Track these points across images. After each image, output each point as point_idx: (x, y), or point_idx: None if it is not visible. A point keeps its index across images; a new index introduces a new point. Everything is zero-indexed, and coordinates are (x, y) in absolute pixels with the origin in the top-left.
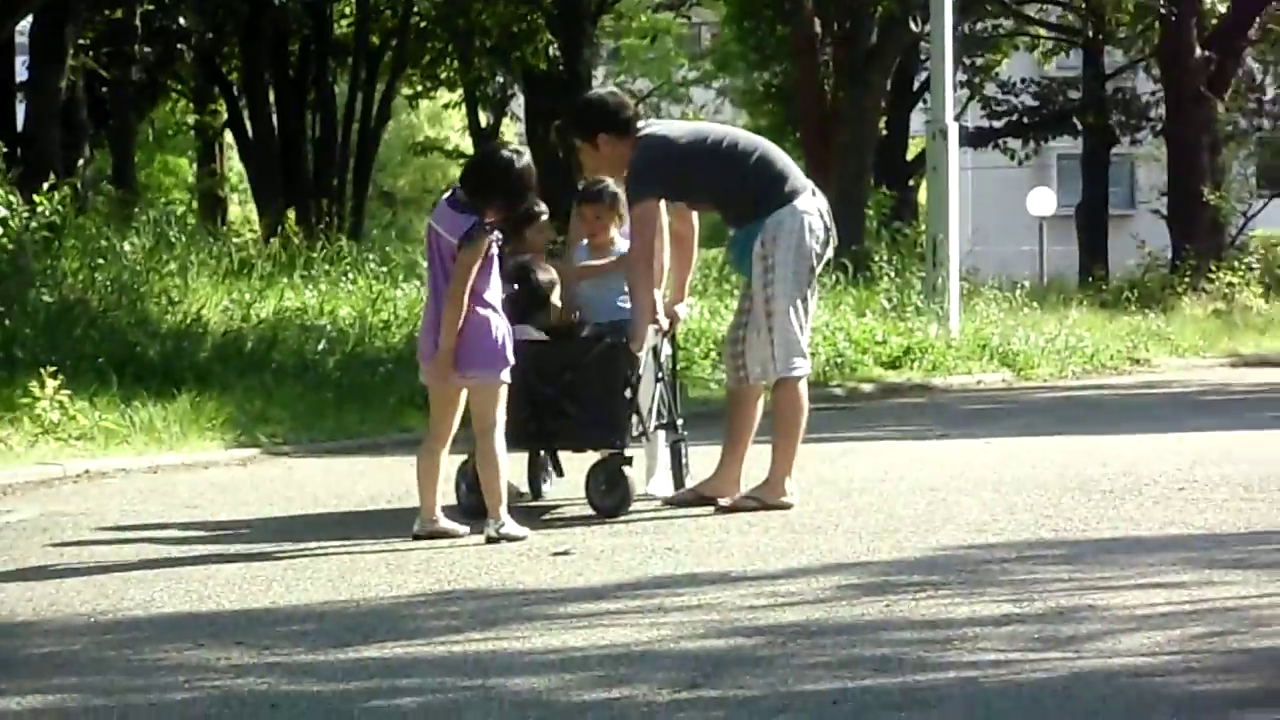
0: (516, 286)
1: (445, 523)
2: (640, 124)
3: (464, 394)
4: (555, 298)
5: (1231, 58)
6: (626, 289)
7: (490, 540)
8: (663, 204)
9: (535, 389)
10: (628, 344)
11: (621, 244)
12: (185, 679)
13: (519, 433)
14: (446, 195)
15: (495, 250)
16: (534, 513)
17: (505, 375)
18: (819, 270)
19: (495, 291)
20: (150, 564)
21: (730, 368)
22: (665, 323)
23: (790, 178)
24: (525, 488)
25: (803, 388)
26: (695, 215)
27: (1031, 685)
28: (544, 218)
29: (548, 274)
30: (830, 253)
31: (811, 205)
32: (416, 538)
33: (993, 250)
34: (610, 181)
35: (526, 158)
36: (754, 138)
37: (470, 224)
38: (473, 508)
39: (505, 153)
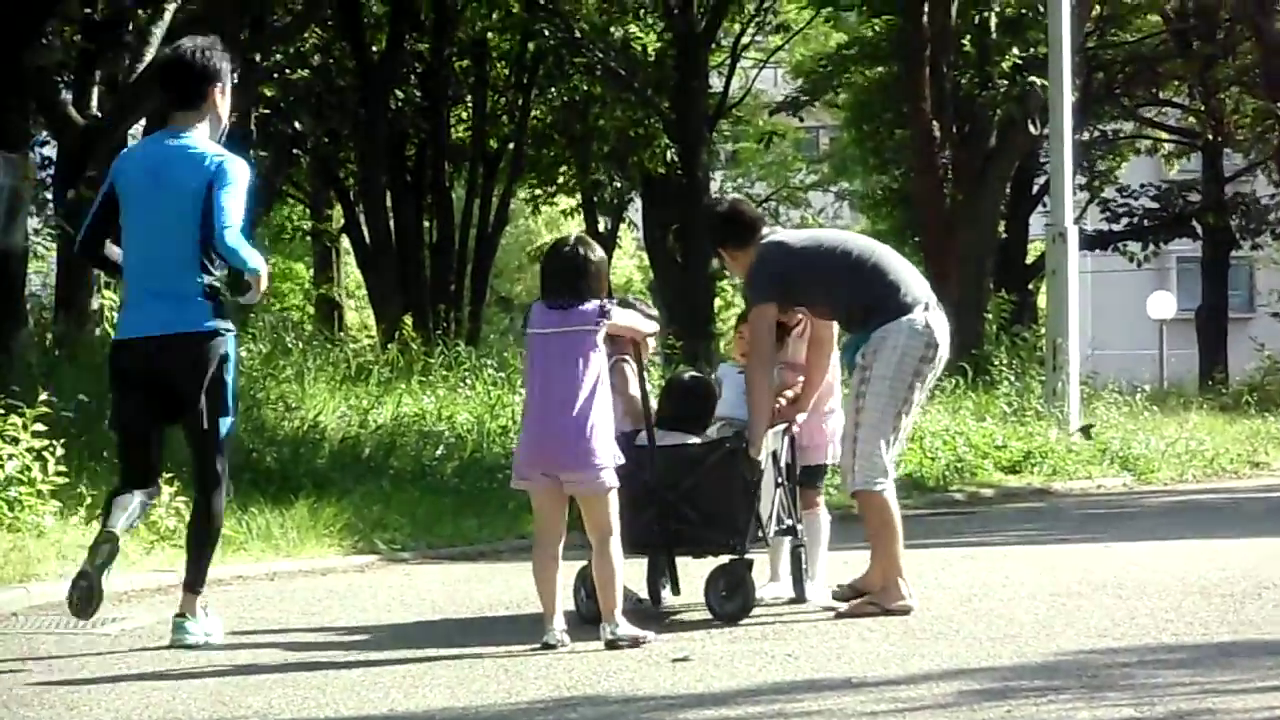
0: (695, 396)
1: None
2: (764, 230)
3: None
4: None
5: None
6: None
7: (609, 645)
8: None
9: (657, 493)
10: (746, 448)
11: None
12: None
13: (640, 538)
14: (535, 305)
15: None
16: (654, 619)
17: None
18: (920, 389)
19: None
20: (267, 670)
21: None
22: (782, 426)
23: (903, 289)
24: (644, 593)
25: (889, 496)
26: (834, 322)
27: None
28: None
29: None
30: (939, 369)
31: (921, 320)
32: (547, 647)
33: (1112, 354)
34: None
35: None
36: (871, 245)
37: (598, 307)
38: (593, 614)
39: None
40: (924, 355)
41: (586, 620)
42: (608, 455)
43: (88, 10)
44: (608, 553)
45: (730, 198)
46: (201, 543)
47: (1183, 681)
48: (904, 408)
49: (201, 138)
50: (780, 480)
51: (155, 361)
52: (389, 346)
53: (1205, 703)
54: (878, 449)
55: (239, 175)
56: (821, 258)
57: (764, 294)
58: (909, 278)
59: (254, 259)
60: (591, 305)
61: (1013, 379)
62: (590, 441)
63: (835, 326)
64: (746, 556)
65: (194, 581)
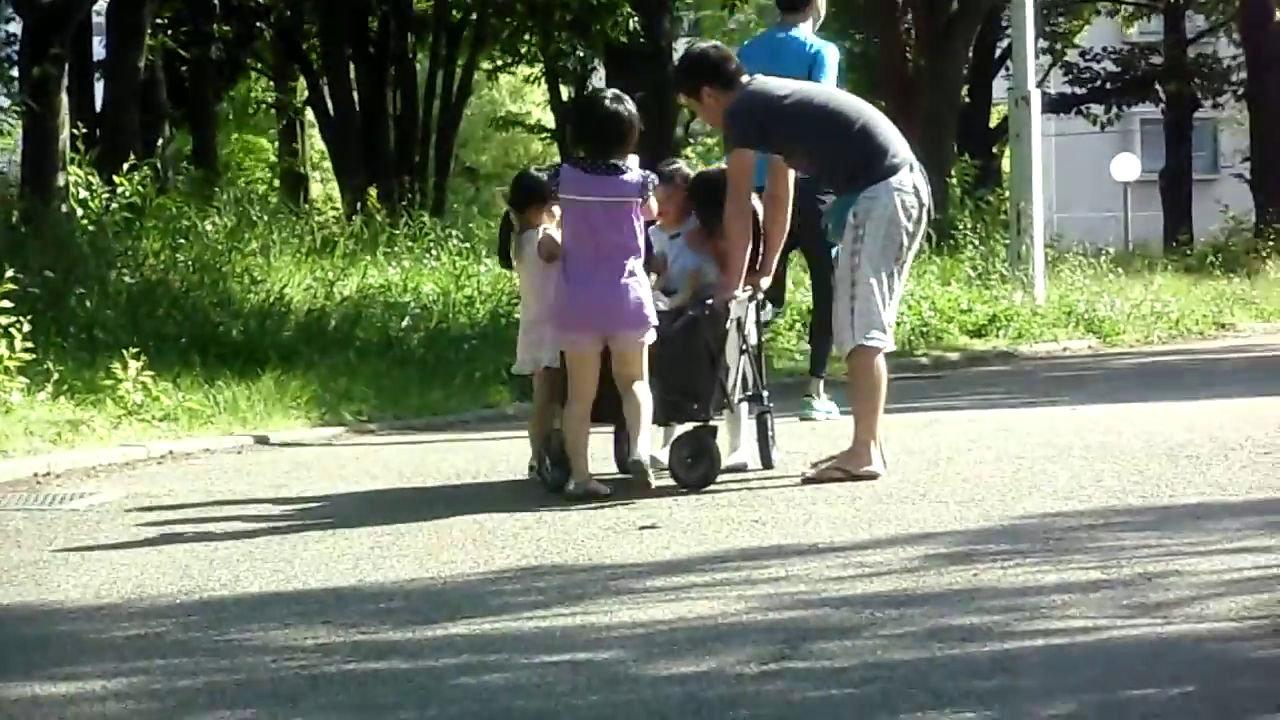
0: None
1: (594, 484)
2: (744, 78)
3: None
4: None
5: None
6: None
7: (630, 466)
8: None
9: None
10: (709, 314)
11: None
12: (272, 659)
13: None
14: (566, 167)
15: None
16: (619, 486)
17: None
18: (911, 249)
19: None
20: (235, 544)
21: None
22: (748, 291)
23: (890, 151)
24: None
25: (879, 360)
26: (791, 177)
27: (1119, 651)
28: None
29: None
30: (924, 229)
31: (909, 182)
32: (569, 497)
33: (1077, 217)
34: (681, 164)
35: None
36: (859, 104)
37: (642, 178)
38: (557, 483)
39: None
40: (914, 215)
41: (552, 489)
42: (654, 313)
43: None
44: (640, 393)
45: (712, 42)
46: (823, 340)
47: (1149, 544)
48: (897, 267)
49: (806, 30)
50: (745, 347)
51: None
52: (354, 218)
53: (1172, 564)
54: (875, 306)
55: (831, 59)
56: (808, 113)
57: (745, 137)
58: (895, 138)
59: None
60: (636, 177)
61: (977, 243)
62: (644, 303)
63: (791, 183)
64: (710, 423)
65: (818, 368)
